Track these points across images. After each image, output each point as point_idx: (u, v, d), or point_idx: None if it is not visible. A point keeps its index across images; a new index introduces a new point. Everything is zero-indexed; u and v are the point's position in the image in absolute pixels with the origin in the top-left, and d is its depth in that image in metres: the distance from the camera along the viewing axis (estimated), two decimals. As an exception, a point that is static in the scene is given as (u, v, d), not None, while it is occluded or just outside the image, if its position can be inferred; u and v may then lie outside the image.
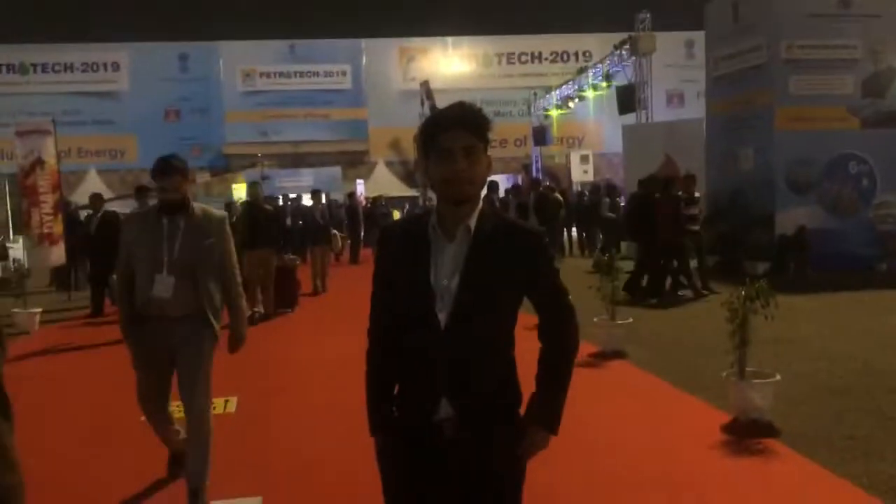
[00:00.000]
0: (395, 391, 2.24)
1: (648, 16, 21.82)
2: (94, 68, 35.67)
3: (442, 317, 2.08)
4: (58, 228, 13.38)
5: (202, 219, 4.01)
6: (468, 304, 2.07)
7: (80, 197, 26.16)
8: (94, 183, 31.60)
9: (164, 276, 3.87)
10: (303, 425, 5.61)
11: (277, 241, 10.96)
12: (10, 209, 20.06)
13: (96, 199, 12.58)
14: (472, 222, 2.12)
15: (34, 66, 35.06)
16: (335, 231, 14.10)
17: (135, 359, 4.11)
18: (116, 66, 35.80)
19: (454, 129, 2.08)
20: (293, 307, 11.27)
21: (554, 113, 30.36)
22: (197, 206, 4.08)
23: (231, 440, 5.27)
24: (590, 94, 26.17)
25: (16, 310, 10.45)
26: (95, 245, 11.44)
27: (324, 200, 14.83)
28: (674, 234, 10.99)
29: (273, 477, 4.53)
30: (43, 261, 13.57)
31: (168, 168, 3.94)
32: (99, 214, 11.98)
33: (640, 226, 11.52)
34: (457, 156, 2.06)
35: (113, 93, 35.75)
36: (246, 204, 11.20)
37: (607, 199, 17.76)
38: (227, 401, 6.22)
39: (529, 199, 14.48)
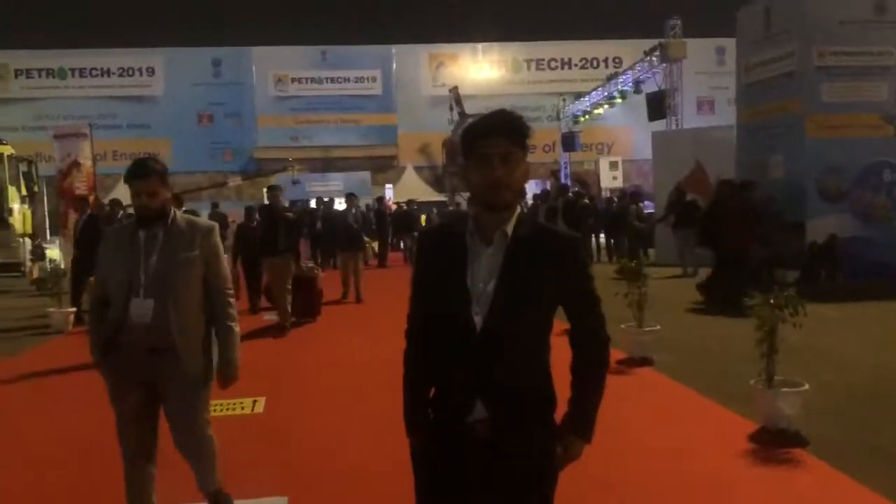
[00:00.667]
0: (431, 393, 2.29)
1: (679, 22, 21.75)
2: (130, 73, 36.21)
3: (478, 320, 2.12)
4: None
5: (185, 229, 3.46)
6: (504, 308, 2.11)
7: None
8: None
9: (141, 300, 3.33)
10: (331, 426, 5.67)
11: (296, 248, 10.44)
12: (48, 210, 20.43)
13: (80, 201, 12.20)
14: (510, 228, 2.17)
15: (72, 70, 35.69)
16: (368, 237, 13.66)
17: (112, 397, 3.53)
18: (151, 71, 36.32)
19: (493, 136, 2.12)
20: (315, 316, 10.79)
21: (583, 119, 30.30)
22: (182, 215, 3.55)
23: (258, 440, 5.37)
24: (619, 100, 26.09)
25: (51, 309, 10.68)
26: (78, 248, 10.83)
27: (388, 199, 14.50)
28: (744, 240, 10.68)
29: (299, 477, 4.59)
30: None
31: (143, 170, 3.40)
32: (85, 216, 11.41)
33: (716, 230, 11.15)
34: (495, 162, 2.10)
35: (148, 97, 36.28)
36: (264, 209, 10.62)
37: (633, 206, 17.69)
38: (255, 401, 6.32)
39: (558, 205, 14.49)
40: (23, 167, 18.85)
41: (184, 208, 10.38)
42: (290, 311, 9.96)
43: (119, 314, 3.36)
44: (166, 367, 3.38)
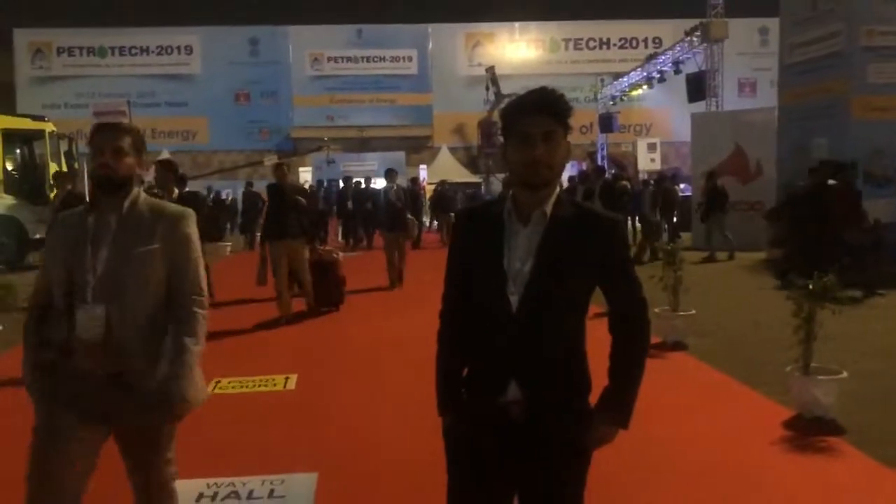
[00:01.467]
0: (465, 373, 2.27)
1: (721, 1, 21.30)
2: (168, 51, 36.59)
3: (514, 300, 2.10)
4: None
5: (146, 215, 2.63)
6: (541, 289, 2.09)
7: (153, 176, 27.05)
8: (166, 163, 32.51)
9: (89, 307, 2.50)
10: (363, 404, 5.69)
11: (310, 230, 9.42)
12: (88, 187, 20.78)
13: (61, 177, 11.11)
14: (549, 208, 2.13)
15: (111, 49, 36.14)
16: (410, 216, 12.26)
17: (37, 423, 2.58)
18: (189, 50, 36.65)
19: (535, 114, 2.09)
20: (338, 305, 9.83)
21: (621, 100, 29.92)
22: (146, 198, 2.70)
23: (289, 417, 5.41)
24: (658, 81, 25.69)
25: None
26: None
27: (400, 181, 13.10)
28: (854, 226, 10.29)
29: (330, 454, 4.61)
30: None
31: (114, 125, 2.69)
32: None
33: (812, 218, 10.58)
34: (536, 140, 2.07)
35: (185, 75, 36.63)
36: (271, 188, 9.61)
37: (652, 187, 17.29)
38: (287, 378, 6.37)
39: (595, 187, 14.30)
40: (63, 144, 19.18)
41: (186, 189, 10.00)
42: (310, 293, 9.37)
43: (62, 327, 2.55)
44: (122, 397, 2.55)
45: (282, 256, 8.94)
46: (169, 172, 8.31)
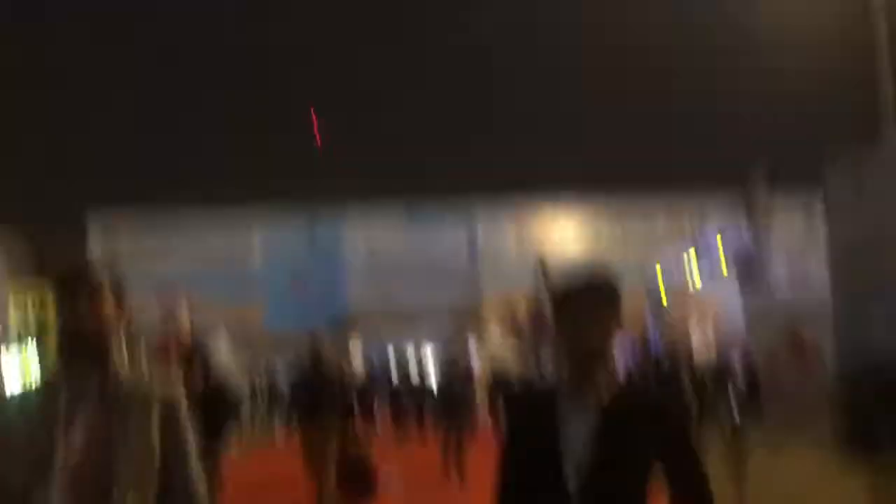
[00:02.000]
0: None
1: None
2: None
3: (572, 485, 2.06)
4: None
5: (130, 384, 2.09)
6: (600, 473, 2.05)
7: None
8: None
9: (57, 496, 1.92)
10: None
11: (344, 411, 8.00)
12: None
13: None
14: (604, 392, 2.13)
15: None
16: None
17: None
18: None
19: (586, 298, 2.13)
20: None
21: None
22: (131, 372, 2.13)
23: None
24: (707, 269, 25.69)
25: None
26: None
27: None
28: None
29: None
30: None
31: (86, 270, 2.10)
32: None
33: None
34: (589, 325, 2.09)
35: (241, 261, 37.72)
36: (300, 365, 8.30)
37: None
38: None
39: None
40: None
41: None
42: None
43: None
44: None
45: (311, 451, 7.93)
46: None
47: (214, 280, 36.87)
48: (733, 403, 12.46)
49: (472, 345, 32.92)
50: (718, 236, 23.55)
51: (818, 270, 29.50)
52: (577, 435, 2.09)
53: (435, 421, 11.97)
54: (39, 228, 32.37)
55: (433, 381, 11.87)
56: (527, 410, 2.25)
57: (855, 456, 11.70)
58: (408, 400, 19.72)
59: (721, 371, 13.89)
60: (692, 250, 26.52)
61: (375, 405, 18.49)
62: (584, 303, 2.12)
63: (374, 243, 38.51)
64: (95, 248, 37.55)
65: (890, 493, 4.65)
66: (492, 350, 31.39)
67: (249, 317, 37.32)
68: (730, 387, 12.68)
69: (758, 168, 21.66)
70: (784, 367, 15.41)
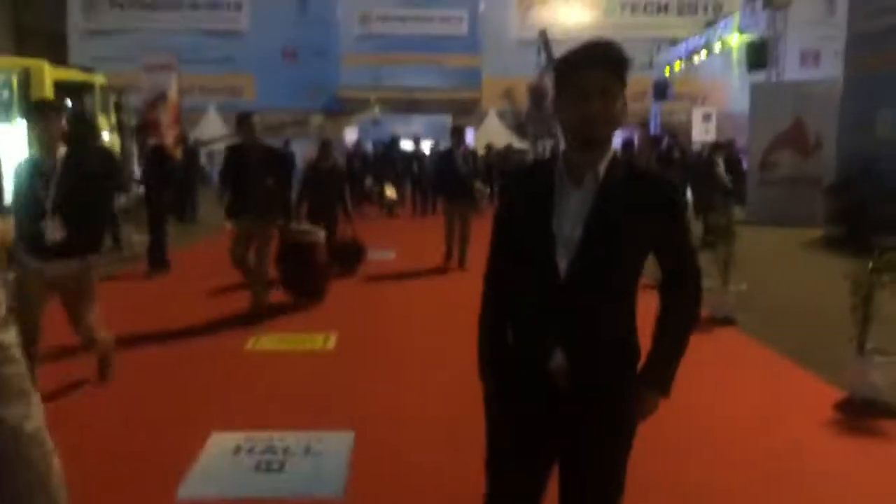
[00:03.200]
0: (509, 338, 2.20)
1: (787, -33, 20.49)
2: (218, 6, 36.66)
3: (562, 265, 2.01)
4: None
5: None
6: (590, 254, 1.99)
7: (200, 134, 27.23)
8: (213, 120, 32.72)
9: None
10: (403, 366, 5.67)
11: (281, 205, 7.12)
12: (138, 143, 21.09)
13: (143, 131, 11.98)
14: (602, 168, 2.03)
15: (163, 2, 36.34)
16: (479, 183, 10.25)
17: None
18: (238, 6, 36.68)
19: (592, 68, 1.97)
20: (318, 296, 7.82)
21: (678, 67, 29.15)
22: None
23: (328, 375, 5.41)
24: (717, 48, 24.93)
25: (136, 236, 11.02)
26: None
27: (468, 142, 11.22)
28: None
29: (367, 414, 4.59)
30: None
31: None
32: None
33: None
34: (593, 96, 1.95)
35: (233, 32, 36.68)
36: (229, 150, 7.60)
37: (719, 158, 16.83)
38: (326, 337, 6.37)
39: (648, 157, 13.88)
40: (113, 97, 19.40)
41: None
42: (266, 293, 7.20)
43: None
44: None
45: (245, 237, 6.99)
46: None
47: (204, 50, 36.02)
48: (724, 181, 12.58)
49: (470, 127, 32.79)
50: (734, 18, 22.53)
51: (832, 58, 29.00)
52: (572, 214, 2.02)
53: (434, 202, 11.27)
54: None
55: (431, 164, 11.38)
56: (521, 187, 2.16)
57: (841, 239, 12.08)
58: (405, 182, 19.69)
59: (713, 152, 13.84)
60: (704, 34, 25.52)
61: (368, 185, 18.37)
62: (590, 71, 1.96)
63: (370, 20, 37.22)
64: (75, 18, 36.39)
65: (864, 272, 4.72)
66: (490, 132, 31.21)
67: (241, 86, 36.84)
68: (720, 166, 12.71)
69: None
70: (782, 151, 15.34)
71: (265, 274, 7.13)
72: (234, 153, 7.31)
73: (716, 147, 13.77)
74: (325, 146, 9.48)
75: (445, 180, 10.28)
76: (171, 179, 9.82)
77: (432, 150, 20.46)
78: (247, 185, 6.82)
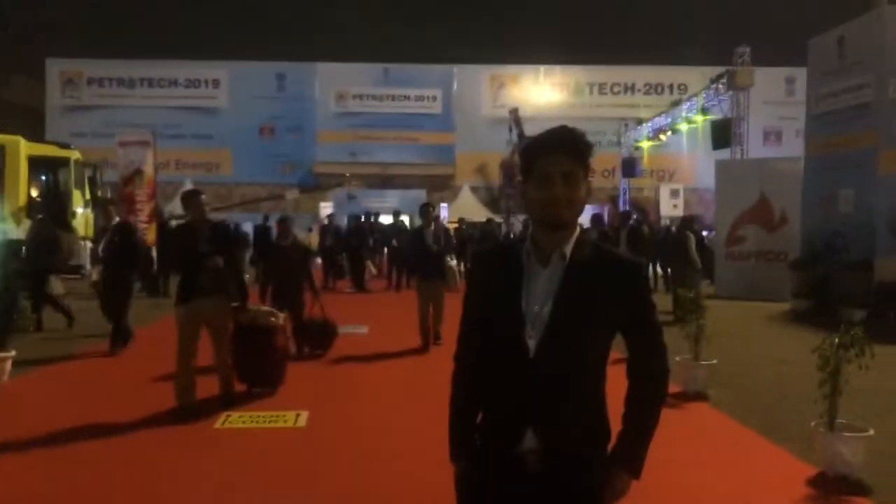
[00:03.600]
0: (479, 419, 2.19)
1: (748, 50, 21.36)
2: (196, 84, 37.18)
3: (532, 344, 2.01)
4: (151, 236, 13.97)
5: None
6: (560, 332, 2.00)
7: (176, 208, 27.25)
8: (189, 194, 32.79)
9: None
10: (375, 446, 5.58)
11: (236, 284, 6.68)
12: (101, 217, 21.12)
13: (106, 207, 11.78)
14: (568, 249, 2.06)
15: (140, 80, 36.80)
16: (451, 260, 9.93)
17: None
18: (217, 84, 37.22)
19: (555, 153, 2.03)
20: (275, 385, 7.15)
21: (645, 145, 29.92)
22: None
23: (299, 454, 5.30)
24: (683, 127, 25.69)
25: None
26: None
27: (443, 219, 11.39)
28: None
29: (339, 493, 4.51)
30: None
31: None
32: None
33: None
34: (556, 180, 2.01)
35: (212, 108, 37.13)
36: (177, 229, 7.47)
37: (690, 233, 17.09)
38: (297, 415, 6.27)
39: (618, 231, 14.07)
40: (88, 172, 19.45)
41: (115, 219, 10.04)
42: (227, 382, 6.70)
43: None
44: None
45: (192, 324, 6.35)
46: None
47: (182, 126, 36.37)
48: (695, 258, 12.75)
49: (444, 202, 33.15)
50: (698, 100, 23.29)
51: (793, 137, 29.92)
52: (540, 294, 2.04)
53: (407, 276, 11.20)
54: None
55: (405, 239, 11.22)
56: (490, 267, 2.19)
57: (808, 312, 12.22)
58: (379, 257, 19.71)
59: (684, 228, 14.07)
60: (670, 113, 26.30)
61: (344, 263, 18.30)
62: (553, 156, 2.02)
63: (346, 97, 37.92)
64: (53, 94, 36.77)
65: (831, 347, 4.77)
66: (464, 207, 31.54)
67: (219, 162, 37.09)
68: (692, 241, 12.90)
69: (742, 47, 21.22)
70: (748, 226, 15.65)
71: (227, 359, 6.66)
72: (182, 232, 6.92)
73: (686, 221, 13.98)
74: (283, 223, 9.19)
75: (417, 258, 10.12)
76: (136, 256, 9.61)
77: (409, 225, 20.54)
78: (196, 265, 6.30)
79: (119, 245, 9.29)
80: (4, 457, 5.13)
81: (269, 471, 4.95)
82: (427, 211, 10.09)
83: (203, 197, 6.65)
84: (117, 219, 10.31)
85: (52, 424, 5.88)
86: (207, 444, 5.57)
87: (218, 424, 6.06)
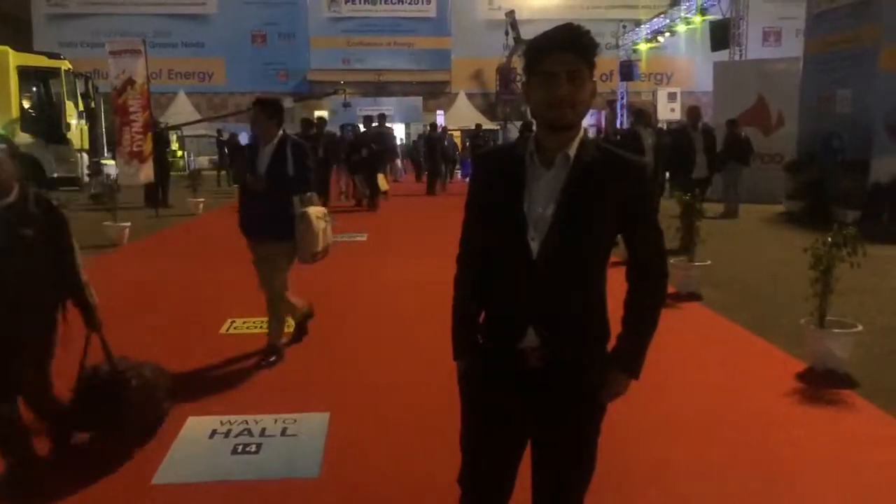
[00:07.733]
0: (481, 318, 2.23)
1: (750, -54, 20.69)
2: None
3: (534, 245, 2.03)
4: (147, 147, 13.86)
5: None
6: (562, 234, 2.01)
7: (170, 118, 26.92)
8: (182, 104, 32.28)
9: None
10: (376, 346, 5.73)
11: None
12: (105, 127, 20.78)
13: None
14: (572, 150, 2.04)
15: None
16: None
17: None
18: (206, -11, 36.20)
19: (560, 52, 1.98)
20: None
21: (643, 47, 29.35)
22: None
23: (302, 356, 5.45)
24: (681, 28, 25.15)
25: (107, 223, 10.93)
26: None
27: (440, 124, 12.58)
28: None
29: (342, 394, 4.65)
30: (132, 178, 14.09)
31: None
32: None
33: None
34: (561, 79, 1.96)
35: (202, 15, 36.18)
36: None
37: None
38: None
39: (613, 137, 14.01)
40: (80, 83, 19.10)
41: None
42: None
43: None
44: None
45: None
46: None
47: (172, 34, 35.52)
48: (697, 159, 12.64)
49: (440, 110, 32.77)
50: (696, 2, 22.72)
51: (793, 37, 29.31)
52: (543, 196, 2.04)
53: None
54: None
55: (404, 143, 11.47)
56: (492, 169, 2.16)
57: (802, 214, 12.31)
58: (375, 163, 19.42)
59: (681, 131, 13.85)
60: (668, 14, 25.70)
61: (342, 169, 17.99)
62: (558, 54, 1.97)
63: (338, 2, 36.84)
64: (39, 2, 35.66)
65: (823, 247, 4.85)
66: (461, 114, 31.22)
67: (211, 70, 36.41)
68: (692, 144, 12.76)
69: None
70: (746, 128, 15.53)
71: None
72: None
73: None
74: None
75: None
76: None
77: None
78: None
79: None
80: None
81: (274, 375, 5.10)
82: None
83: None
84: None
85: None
86: (212, 349, 5.68)
87: (223, 330, 6.22)
